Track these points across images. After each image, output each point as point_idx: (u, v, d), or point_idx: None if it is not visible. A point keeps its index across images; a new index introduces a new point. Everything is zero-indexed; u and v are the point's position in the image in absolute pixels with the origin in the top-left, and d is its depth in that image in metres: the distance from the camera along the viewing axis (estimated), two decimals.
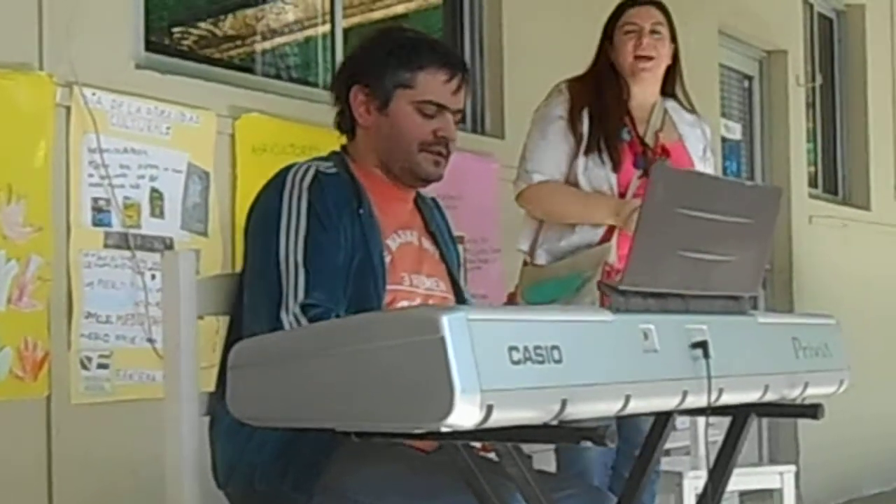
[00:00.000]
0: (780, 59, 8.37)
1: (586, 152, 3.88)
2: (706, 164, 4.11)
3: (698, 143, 4.09)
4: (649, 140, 3.94)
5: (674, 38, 4.04)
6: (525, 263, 4.01)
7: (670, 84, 4.08)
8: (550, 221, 3.96)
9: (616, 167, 3.86)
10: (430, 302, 2.69)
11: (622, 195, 3.84)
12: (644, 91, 4.01)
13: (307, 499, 2.40)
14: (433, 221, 2.86)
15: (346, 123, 2.76)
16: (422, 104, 2.67)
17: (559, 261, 3.86)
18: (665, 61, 4.02)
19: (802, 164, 8.53)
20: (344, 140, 2.79)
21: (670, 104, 4.08)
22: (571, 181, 3.91)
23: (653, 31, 3.96)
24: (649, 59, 3.95)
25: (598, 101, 3.94)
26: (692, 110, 4.13)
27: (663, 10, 4.03)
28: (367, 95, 2.69)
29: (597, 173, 3.87)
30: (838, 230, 8.62)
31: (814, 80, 8.96)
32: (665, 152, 3.93)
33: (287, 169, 2.60)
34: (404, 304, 2.62)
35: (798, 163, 8.40)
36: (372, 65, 2.70)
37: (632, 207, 3.66)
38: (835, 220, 8.62)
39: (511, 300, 3.99)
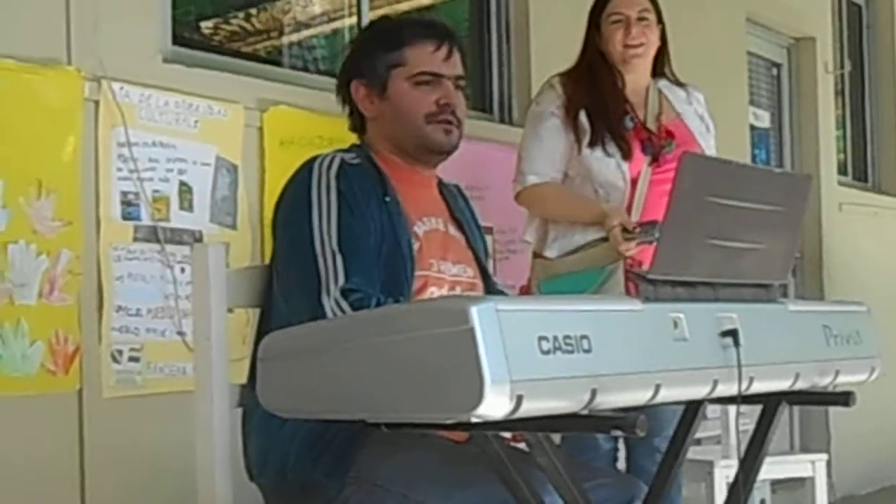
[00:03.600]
0: (808, 46, 8.33)
1: (591, 145, 3.86)
2: (707, 136, 4.07)
3: (695, 118, 4.05)
4: (651, 124, 3.93)
5: (660, 20, 4.01)
6: (535, 255, 4.00)
7: (660, 65, 4.06)
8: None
9: (626, 156, 3.84)
10: (458, 288, 2.71)
11: (633, 182, 3.83)
12: (636, 77, 3.99)
13: (339, 487, 2.41)
14: (457, 208, 2.88)
15: (355, 121, 2.80)
16: (416, 77, 2.70)
17: (572, 254, 3.85)
18: (655, 46, 4.00)
19: (832, 151, 8.48)
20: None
21: (662, 83, 4.06)
22: (582, 175, 3.90)
23: (640, 19, 3.94)
24: (639, 46, 3.94)
25: (595, 93, 3.92)
26: (681, 84, 4.10)
27: None
28: (366, 86, 2.73)
29: (606, 164, 3.85)
30: (869, 217, 8.58)
31: (843, 67, 8.90)
32: (669, 134, 3.91)
33: (312, 160, 2.63)
34: (433, 290, 2.64)
35: (827, 150, 8.35)
36: (363, 57, 2.75)
37: (619, 221, 3.66)
38: (865, 208, 8.57)
39: (524, 292, 3.99)
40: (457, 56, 2.76)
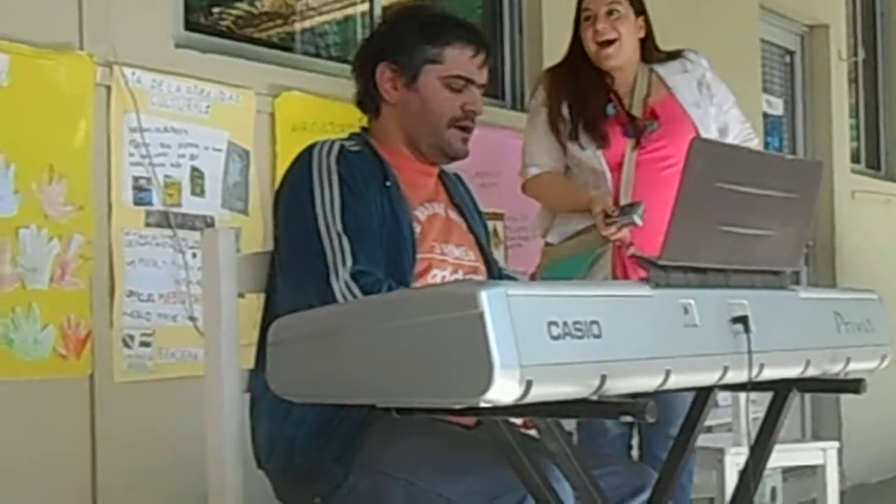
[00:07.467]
0: (821, 33, 8.30)
1: (570, 139, 3.90)
2: (705, 105, 4.02)
3: (690, 86, 4.02)
4: (637, 110, 3.92)
5: (641, 12, 3.99)
6: (547, 244, 4.04)
7: (648, 52, 4.03)
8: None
9: (602, 144, 3.86)
10: (460, 271, 2.71)
11: (618, 168, 3.85)
12: (621, 70, 3.98)
13: (346, 472, 2.41)
14: (457, 195, 2.89)
15: (370, 102, 2.78)
16: (450, 79, 2.71)
17: (571, 239, 3.90)
18: (631, 38, 3.96)
19: (845, 139, 8.46)
20: (364, 122, 2.81)
21: (655, 64, 4.04)
22: (575, 164, 3.95)
23: (609, 13, 3.92)
24: (609, 43, 3.92)
25: (576, 89, 3.95)
26: (675, 55, 4.07)
27: None
28: (395, 72, 2.72)
29: (584, 155, 3.89)
30: (881, 205, 8.56)
31: (856, 54, 8.87)
32: (653, 115, 3.91)
33: (311, 147, 2.63)
34: (436, 272, 2.65)
35: (840, 138, 8.33)
36: (399, 42, 2.73)
37: (600, 207, 3.70)
38: (878, 196, 8.56)
39: (531, 279, 4.01)
40: (488, 65, 2.78)
